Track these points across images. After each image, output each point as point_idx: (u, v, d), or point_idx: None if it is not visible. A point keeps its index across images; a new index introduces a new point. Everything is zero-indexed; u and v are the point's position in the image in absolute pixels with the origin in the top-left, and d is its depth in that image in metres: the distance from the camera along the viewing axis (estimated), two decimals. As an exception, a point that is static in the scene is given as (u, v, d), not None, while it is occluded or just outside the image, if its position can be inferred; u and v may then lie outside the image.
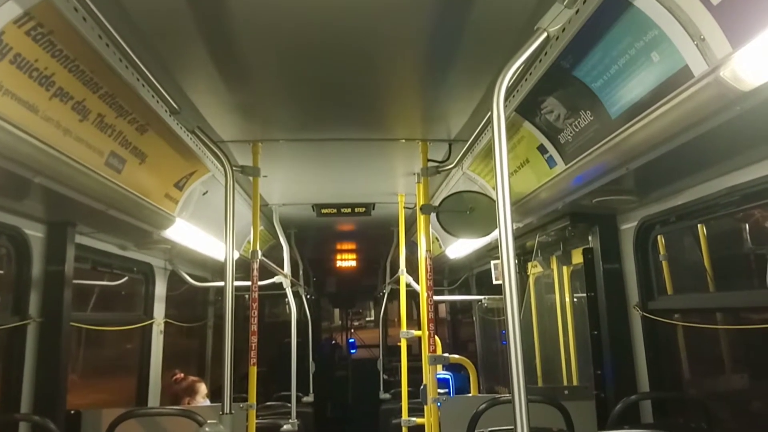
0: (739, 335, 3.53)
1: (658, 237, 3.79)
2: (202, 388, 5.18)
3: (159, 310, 5.53)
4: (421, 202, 4.34)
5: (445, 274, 9.64)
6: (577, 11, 2.04)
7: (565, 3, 1.94)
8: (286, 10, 2.42)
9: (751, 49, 1.77)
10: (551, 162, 3.50)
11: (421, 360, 4.28)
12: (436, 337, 4.25)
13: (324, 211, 6.34)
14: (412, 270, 5.69)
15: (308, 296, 9.06)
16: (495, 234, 4.17)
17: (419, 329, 4.73)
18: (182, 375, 5.30)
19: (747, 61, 1.81)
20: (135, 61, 2.45)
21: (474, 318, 8.83)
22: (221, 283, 3.30)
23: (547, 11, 1.96)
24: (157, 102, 3.02)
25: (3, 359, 3.50)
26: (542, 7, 2.05)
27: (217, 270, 6.88)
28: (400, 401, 5.37)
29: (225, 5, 2.36)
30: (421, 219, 4.32)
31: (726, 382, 3.82)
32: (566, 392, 4.10)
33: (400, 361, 5.71)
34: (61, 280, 3.71)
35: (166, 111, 3.10)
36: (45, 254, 3.70)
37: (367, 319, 18.05)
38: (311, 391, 7.65)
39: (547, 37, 1.95)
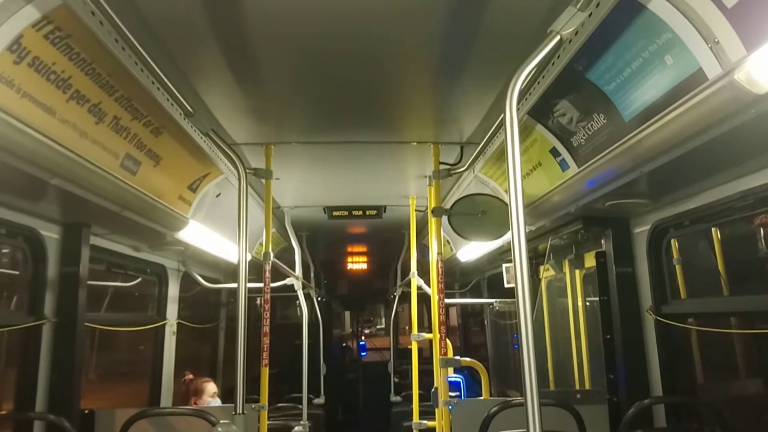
0: (754, 339, 3.50)
1: (672, 241, 3.77)
2: (210, 387, 5.23)
3: (172, 311, 5.57)
4: (433, 205, 4.34)
5: (456, 277, 9.63)
6: (590, 14, 2.03)
7: (578, 6, 1.94)
8: (300, 14, 2.44)
9: (766, 51, 1.76)
10: (564, 165, 3.49)
11: (432, 363, 4.28)
12: (447, 340, 4.24)
13: (335, 213, 6.35)
14: (423, 273, 5.69)
15: (319, 298, 9.08)
16: (507, 237, 4.16)
17: (430, 332, 4.73)
18: (191, 376, 5.37)
19: (761, 63, 1.80)
20: (150, 65, 2.48)
21: (485, 321, 8.81)
22: (233, 285, 3.32)
23: (560, 14, 1.96)
24: (172, 105, 3.05)
25: (18, 358, 3.54)
26: (555, 11, 2.05)
27: (229, 272, 6.92)
28: (411, 404, 5.37)
29: (239, 10, 2.38)
30: (432, 222, 4.32)
31: (740, 386, 3.78)
32: (578, 396, 4.08)
33: (410, 364, 5.70)
34: (76, 280, 3.74)
35: (180, 114, 3.13)
36: (60, 255, 3.74)
37: (378, 326, 18.04)
38: (322, 393, 7.65)
39: (560, 40, 1.95)
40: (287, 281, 6.08)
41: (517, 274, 1.77)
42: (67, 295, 3.72)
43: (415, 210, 5.98)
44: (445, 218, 4.24)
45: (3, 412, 3.56)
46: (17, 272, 3.69)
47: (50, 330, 3.63)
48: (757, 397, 3.65)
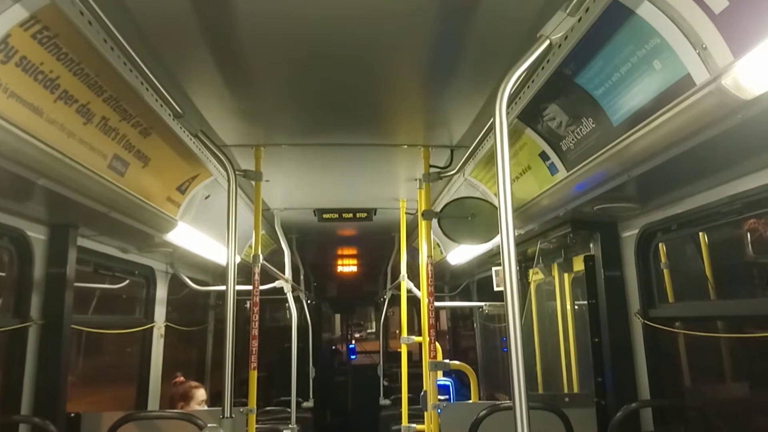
0: (741, 344, 3.52)
1: (660, 245, 3.79)
2: (199, 394, 5.14)
3: (160, 313, 5.53)
4: (423, 208, 4.34)
5: (446, 281, 9.62)
6: (579, 19, 2.04)
7: (567, 11, 1.95)
8: (291, 16, 2.43)
9: (753, 57, 1.78)
10: (553, 169, 3.51)
11: (422, 366, 4.28)
12: (437, 343, 4.24)
13: (325, 216, 6.34)
14: (413, 276, 5.69)
15: (309, 301, 9.05)
16: (496, 240, 4.17)
17: (420, 335, 4.73)
18: (182, 379, 5.30)
19: (748, 69, 1.82)
20: (139, 65, 2.46)
21: (474, 325, 8.81)
22: (222, 287, 3.30)
23: (549, 19, 1.97)
24: (161, 106, 3.03)
25: (4, 361, 3.50)
26: (545, 15, 2.06)
27: (218, 274, 6.88)
28: (400, 407, 5.35)
29: (229, 11, 2.37)
30: (422, 225, 4.32)
31: (727, 390, 3.81)
32: (567, 399, 4.09)
33: (400, 367, 5.70)
34: (63, 282, 3.71)
35: (169, 115, 3.11)
36: (47, 256, 3.70)
37: (369, 331, 18.02)
38: (311, 396, 7.63)
39: (550, 44, 1.96)
40: (277, 284, 6.07)
41: (506, 277, 1.77)
42: (54, 296, 3.68)
43: (406, 213, 5.98)
44: (435, 221, 4.25)
45: (-12, 415, 3.52)
46: (3, 274, 3.65)
47: (36, 332, 3.59)
48: (743, 401, 3.68)
